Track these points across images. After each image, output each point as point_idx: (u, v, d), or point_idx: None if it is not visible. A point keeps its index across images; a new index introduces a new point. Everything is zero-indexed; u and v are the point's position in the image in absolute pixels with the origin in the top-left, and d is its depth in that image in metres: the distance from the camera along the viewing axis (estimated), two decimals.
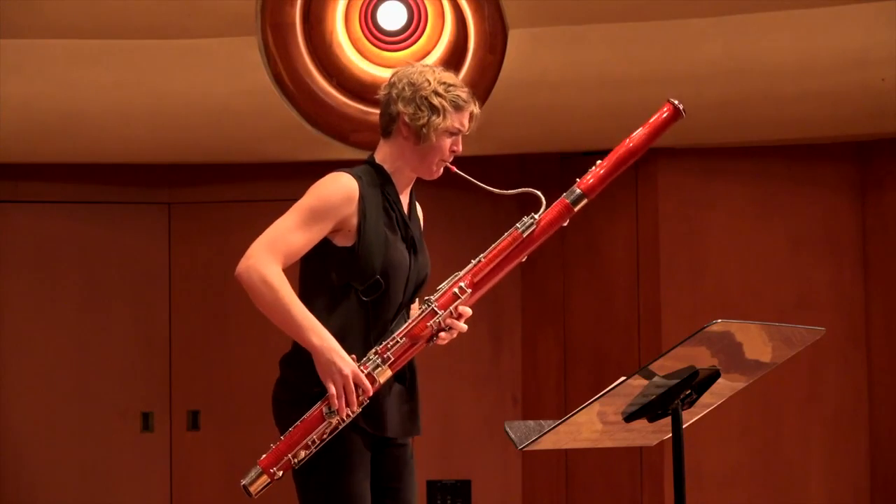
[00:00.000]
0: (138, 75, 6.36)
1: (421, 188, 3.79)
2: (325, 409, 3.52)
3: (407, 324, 3.60)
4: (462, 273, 3.64)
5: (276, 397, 3.66)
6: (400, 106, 3.66)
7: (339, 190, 3.60)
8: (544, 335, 7.09)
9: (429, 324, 3.59)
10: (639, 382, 3.44)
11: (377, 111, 3.75)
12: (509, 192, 3.77)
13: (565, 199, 3.66)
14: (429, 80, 3.66)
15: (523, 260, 3.69)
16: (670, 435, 3.54)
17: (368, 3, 6.53)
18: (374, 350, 3.57)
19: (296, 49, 6.43)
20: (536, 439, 3.50)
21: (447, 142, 3.67)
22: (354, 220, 3.60)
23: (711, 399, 3.61)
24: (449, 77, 3.69)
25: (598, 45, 6.17)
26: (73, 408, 7.05)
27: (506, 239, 3.65)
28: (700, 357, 3.45)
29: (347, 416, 3.52)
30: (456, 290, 3.61)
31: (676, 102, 3.68)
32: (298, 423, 3.53)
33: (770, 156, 6.75)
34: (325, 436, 3.53)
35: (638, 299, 6.78)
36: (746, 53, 6.11)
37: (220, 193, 7.16)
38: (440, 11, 6.50)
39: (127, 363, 7.11)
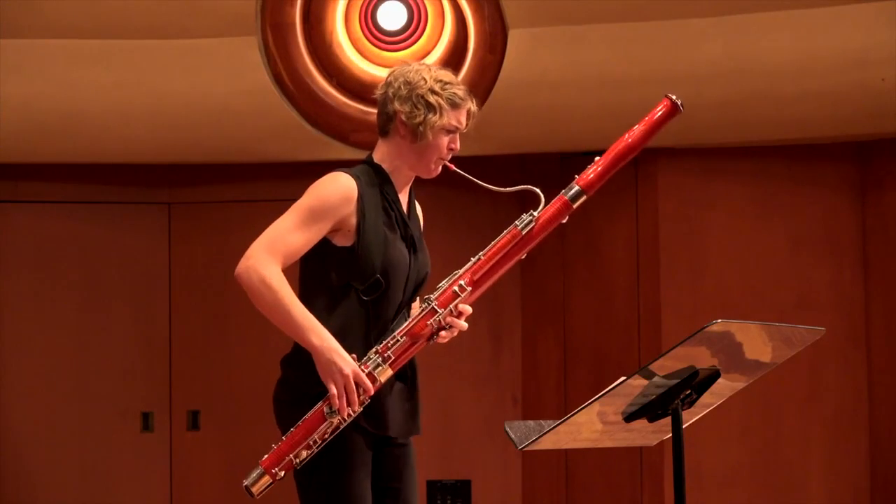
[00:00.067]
0: (138, 75, 6.36)
1: (420, 187, 3.79)
2: (326, 409, 3.52)
3: (407, 323, 3.60)
4: (462, 271, 3.63)
5: (277, 397, 3.66)
6: (396, 105, 3.65)
7: (337, 190, 3.60)
8: (544, 335, 7.09)
9: (429, 322, 3.59)
10: (639, 382, 3.44)
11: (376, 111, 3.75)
12: (508, 189, 3.77)
13: (564, 195, 3.66)
14: (425, 79, 3.65)
15: (523, 257, 3.69)
16: (670, 435, 3.54)
17: (368, 3, 6.53)
18: (374, 349, 3.57)
19: (296, 49, 6.43)
20: (536, 439, 3.49)
21: (445, 140, 3.67)
22: (353, 220, 3.60)
23: (711, 399, 3.61)
24: (445, 75, 3.69)
25: (598, 45, 6.17)
26: (73, 408, 7.05)
27: (505, 236, 3.65)
28: (700, 357, 3.45)
29: (349, 415, 3.52)
30: (456, 288, 3.61)
31: (674, 97, 3.68)
32: (300, 423, 3.53)
33: (770, 156, 6.75)
34: (326, 436, 3.53)
35: (638, 299, 6.78)
36: (746, 53, 6.11)
37: (220, 193, 7.16)
38: (440, 11, 6.50)
39: (127, 363, 7.11)
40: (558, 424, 3.47)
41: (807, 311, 6.61)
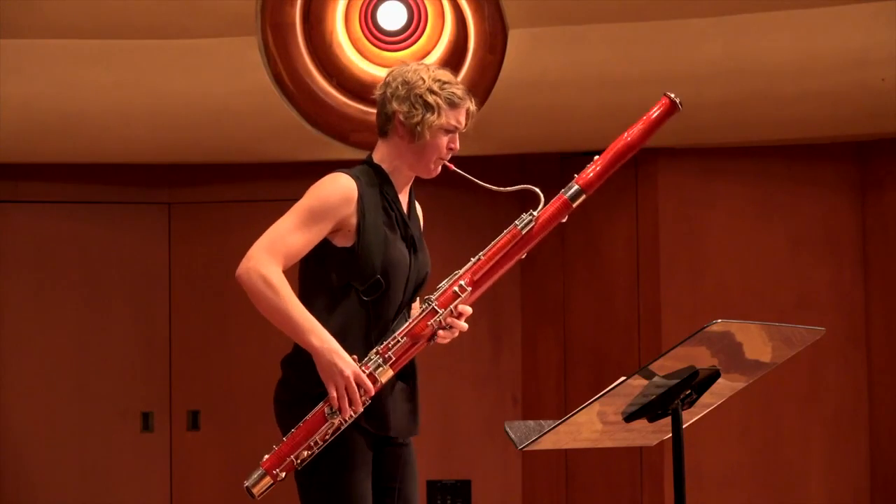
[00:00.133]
0: (138, 75, 6.36)
1: (420, 187, 3.79)
2: (326, 410, 3.52)
3: (408, 323, 3.60)
4: (462, 271, 3.63)
5: (277, 398, 3.66)
6: (395, 105, 3.65)
7: (337, 190, 3.60)
8: (544, 335, 7.09)
9: (429, 323, 3.59)
10: (639, 382, 3.44)
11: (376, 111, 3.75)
12: (507, 189, 3.76)
13: (563, 195, 3.66)
14: (423, 78, 3.65)
15: (523, 257, 3.69)
16: (670, 435, 3.54)
17: (368, 3, 6.53)
18: (374, 350, 3.57)
19: (296, 49, 6.43)
20: (536, 439, 3.49)
21: (444, 140, 3.67)
22: (354, 220, 3.60)
23: (711, 399, 3.61)
24: (444, 75, 3.68)
25: (598, 45, 6.16)
26: (73, 408, 7.04)
27: (505, 236, 3.65)
28: (700, 357, 3.45)
29: (349, 416, 3.52)
30: (456, 288, 3.61)
31: (672, 96, 3.68)
32: (300, 424, 3.53)
33: (770, 156, 6.75)
34: (327, 436, 3.53)
35: (638, 299, 6.78)
36: (746, 53, 6.11)
37: (220, 193, 7.16)
38: (440, 11, 6.50)
39: (127, 363, 7.11)
40: (558, 424, 3.47)
41: (807, 311, 6.61)
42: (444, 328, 3.60)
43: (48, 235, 7.10)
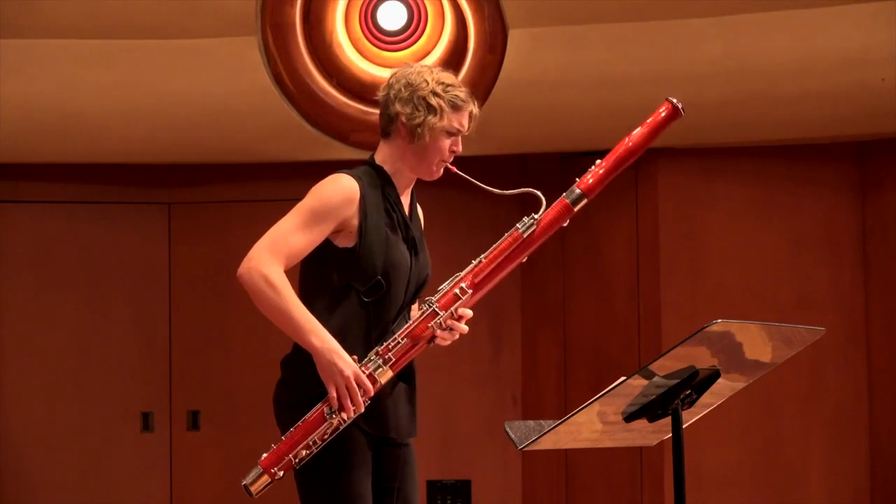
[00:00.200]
0: (138, 75, 6.36)
1: (420, 188, 3.79)
2: (326, 410, 3.52)
3: (408, 324, 3.60)
4: (463, 274, 3.64)
5: (277, 398, 3.66)
6: (398, 106, 3.66)
7: (339, 191, 3.60)
8: (544, 335, 7.09)
9: (430, 325, 3.59)
10: (639, 382, 3.44)
11: (377, 111, 3.75)
12: (509, 192, 3.77)
13: (565, 199, 3.66)
14: (427, 81, 3.66)
15: (524, 260, 3.70)
16: (670, 435, 3.54)
17: (368, 3, 6.53)
18: (374, 351, 3.58)
19: (296, 49, 6.43)
20: (536, 439, 3.50)
21: (446, 142, 3.67)
22: (355, 221, 3.60)
23: (711, 399, 3.61)
24: (447, 77, 3.69)
25: (598, 45, 6.16)
26: (73, 408, 7.05)
27: (506, 239, 3.66)
28: (700, 357, 3.45)
29: (349, 416, 3.53)
30: (457, 290, 3.61)
31: (675, 101, 3.69)
32: (300, 423, 3.53)
33: (770, 156, 6.75)
34: (325, 436, 3.53)
35: (638, 299, 6.78)
36: (746, 53, 6.11)
37: (220, 193, 7.16)
38: (440, 11, 6.50)
39: (127, 363, 7.11)
40: (558, 424, 3.47)
41: (807, 311, 6.61)
42: (444, 330, 3.61)
43: (48, 235, 7.10)
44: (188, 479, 7.12)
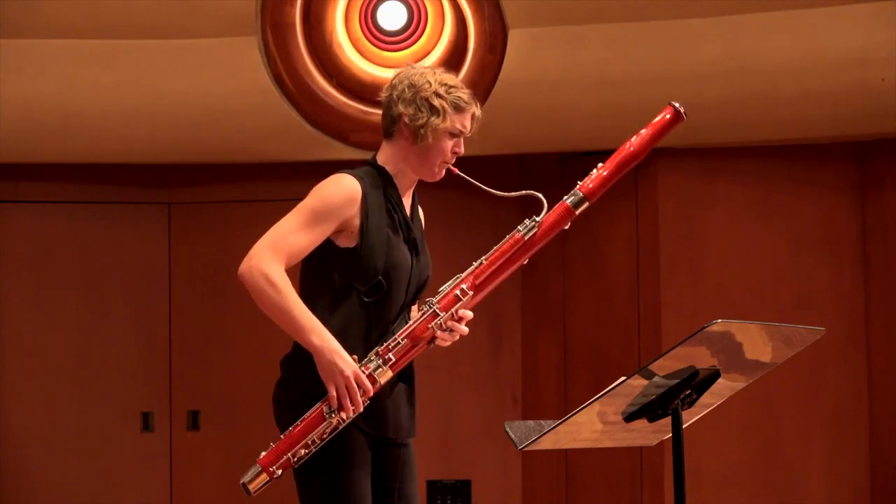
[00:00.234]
0: (138, 75, 6.36)
1: (421, 189, 3.79)
2: (325, 410, 3.52)
3: (408, 325, 3.61)
4: (464, 275, 3.64)
5: (276, 398, 3.66)
6: (400, 107, 3.66)
7: (341, 191, 3.60)
8: (544, 335, 7.09)
9: (430, 325, 3.60)
10: (639, 382, 3.44)
11: (377, 111, 3.76)
12: (511, 194, 3.77)
13: (567, 202, 3.67)
14: (430, 82, 3.66)
15: (524, 263, 3.70)
16: (670, 435, 3.54)
17: (368, 3, 6.53)
18: (374, 351, 3.58)
19: (296, 49, 6.43)
20: (536, 439, 3.50)
21: (448, 143, 3.68)
22: (357, 222, 3.61)
23: (711, 399, 3.61)
24: (450, 79, 3.70)
25: (598, 45, 6.16)
26: (73, 408, 7.05)
27: (507, 242, 3.66)
28: (700, 357, 3.45)
29: (348, 416, 3.53)
30: (458, 292, 3.62)
31: (678, 105, 3.69)
32: (299, 422, 3.53)
33: (770, 156, 6.75)
34: (325, 436, 3.53)
35: (638, 299, 6.78)
36: (746, 53, 6.11)
37: (220, 193, 7.16)
38: (440, 11, 6.50)
39: (127, 363, 7.11)
40: (558, 424, 3.47)
41: (807, 311, 6.61)
42: (444, 331, 3.61)
43: (48, 235, 7.10)
44: (188, 479, 7.12)
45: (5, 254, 7.06)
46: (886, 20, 5.94)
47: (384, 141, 3.73)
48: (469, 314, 3.64)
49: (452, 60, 6.37)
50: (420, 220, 3.80)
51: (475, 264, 3.65)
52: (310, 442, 3.53)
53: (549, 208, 3.68)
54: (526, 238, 3.66)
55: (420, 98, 3.65)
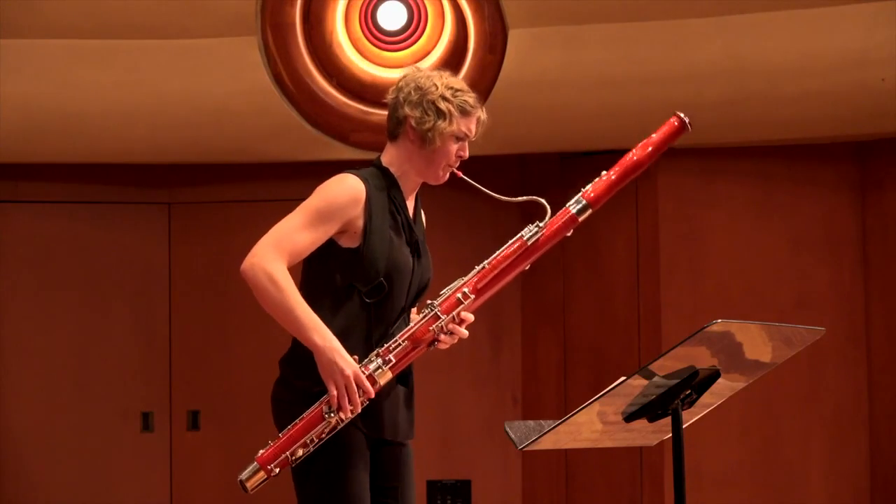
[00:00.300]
0: (138, 75, 6.36)
1: (421, 189, 3.80)
2: (324, 409, 3.52)
3: (409, 326, 3.61)
4: (466, 279, 3.65)
5: (275, 397, 3.67)
6: (407, 110, 3.67)
7: (345, 191, 3.61)
8: (544, 335, 7.09)
9: (431, 328, 3.60)
10: (639, 382, 3.44)
11: (377, 111, 3.77)
12: (515, 199, 3.78)
13: (570, 209, 3.69)
14: (436, 85, 3.67)
15: (526, 268, 3.71)
16: (670, 435, 3.55)
17: (368, 3, 6.53)
18: (375, 351, 3.58)
19: (296, 49, 6.43)
20: (536, 439, 3.50)
21: (454, 147, 3.69)
22: (360, 222, 3.61)
23: (711, 399, 3.61)
24: (457, 82, 3.71)
25: (598, 45, 6.16)
26: (73, 408, 7.05)
27: (511, 246, 3.67)
28: (700, 357, 3.45)
29: (347, 416, 3.53)
30: (459, 295, 3.62)
31: (683, 115, 3.71)
32: (298, 421, 3.54)
33: (770, 156, 6.75)
34: (323, 435, 3.54)
35: (638, 299, 6.78)
36: (746, 53, 6.11)
37: (220, 193, 7.16)
38: (440, 11, 6.50)
39: (127, 363, 7.11)
40: (558, 424, 3.47)
41: (807, 311, 6.61)
42: (445, 334, 3.62)
43: (48, 235, 7.10)
44: (188, 479, 7.12)
45: (5, 254, 7.06)
46: (886, 20, 5.94)
47: (389, 143, 3.73)
48: (470, 317, 3.65)
49: (452, 60, 6.37)
50: (422, 222, 3.81)
51: (477, 268, 3.66)
52: (308, 441, 3.53)
53: (553, 213, 3.69)
54: (529, 243, 3.67)
55: (427, 101, 3.65)
